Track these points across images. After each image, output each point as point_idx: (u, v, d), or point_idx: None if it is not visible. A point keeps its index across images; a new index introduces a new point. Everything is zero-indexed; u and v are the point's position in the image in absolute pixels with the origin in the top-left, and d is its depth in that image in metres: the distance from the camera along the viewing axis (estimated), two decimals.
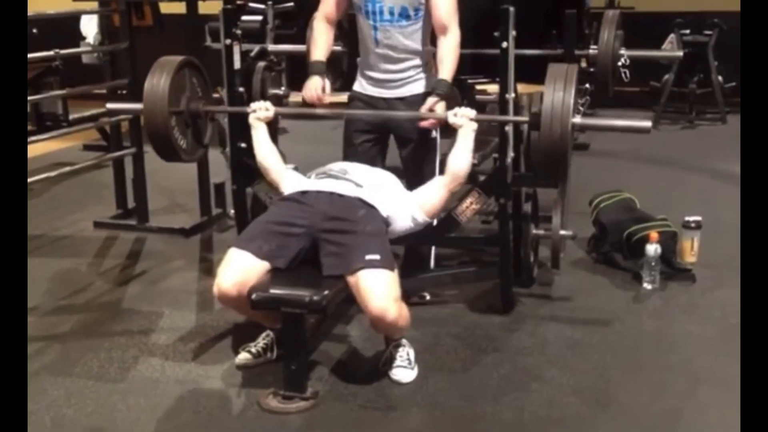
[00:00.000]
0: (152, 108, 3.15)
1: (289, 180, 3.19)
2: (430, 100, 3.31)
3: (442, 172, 3.32)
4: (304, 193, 3.07)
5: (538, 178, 3.54)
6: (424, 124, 3.35)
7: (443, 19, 3.35)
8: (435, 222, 3.32)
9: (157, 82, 3.15)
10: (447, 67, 3.34)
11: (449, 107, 3.28)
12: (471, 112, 3.15)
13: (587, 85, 3.42)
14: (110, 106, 4.16)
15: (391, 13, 3.34)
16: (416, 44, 3.41)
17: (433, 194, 3.15)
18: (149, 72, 3.20)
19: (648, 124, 3.05)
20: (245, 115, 3.30)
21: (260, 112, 3.28)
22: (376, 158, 3.51)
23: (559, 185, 3.70)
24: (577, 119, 2.97)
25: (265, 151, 3.25)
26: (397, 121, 3.46)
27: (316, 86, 3.40)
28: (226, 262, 2.90)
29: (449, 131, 3.22)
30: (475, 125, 3.14)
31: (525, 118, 3.26)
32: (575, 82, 2.92)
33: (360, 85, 3.53)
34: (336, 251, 2.89)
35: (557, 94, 2.88)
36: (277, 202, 3.15)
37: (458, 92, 3.95)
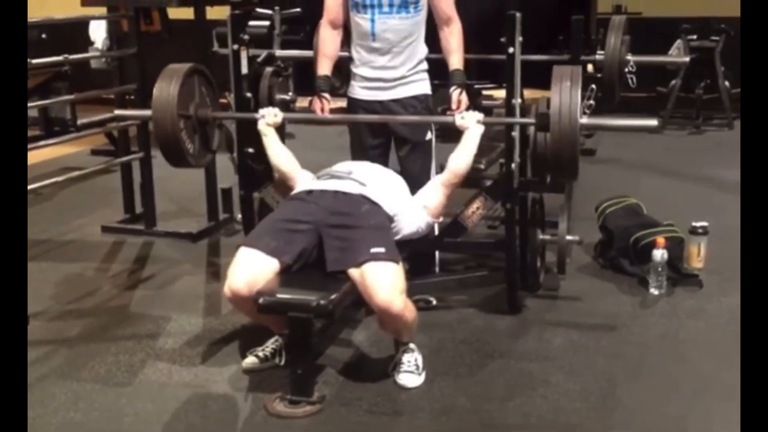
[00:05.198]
0: (161, 113, 3.16)
1: (303, 180, 3.24)
2: (456, 92, 3.41)
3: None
4: (309, 192, 3.12)
5: (544, 183, 3.55)
6: (456, 111, 3.44)
7: (447, 9, 3.45)
8: (437, 230, 3.34)
9: (166, 87, 3.17)
10: (458, 56, 3.46)
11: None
12: (479, 115, 3.19)
13: (592, 86, 3.42)
14: (118, 112, 4.17)
15: (390, 5, 3.36)
16: (413, 40, 3.43)
17: (434, 194, 3.22)
18: (158, 79, 3.21)
19: (655, 122, 3.07)
20: (253, 121, 3.32)
21: (269, 117, 3.31)
22: (384, 162, 3.54)
23: (566, 190, 3.70)
24: (585, 119, 2.98)
25: (278, 154, 3.30)
26: (396, 122, 3.50)
27: (316, 106, 3.52)
28: (236, 261, 2.92)
29: (454, 136, 3.24)
30: (482, 128, 3.19)
31: (532, 120, 3.26)
32: (581, 83, 2.94)
33: (354, 91, 3.56)
34: (340, 246, 2.91)
35: (564, 94, 2.89)
36: (283, 202, 3.18)
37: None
